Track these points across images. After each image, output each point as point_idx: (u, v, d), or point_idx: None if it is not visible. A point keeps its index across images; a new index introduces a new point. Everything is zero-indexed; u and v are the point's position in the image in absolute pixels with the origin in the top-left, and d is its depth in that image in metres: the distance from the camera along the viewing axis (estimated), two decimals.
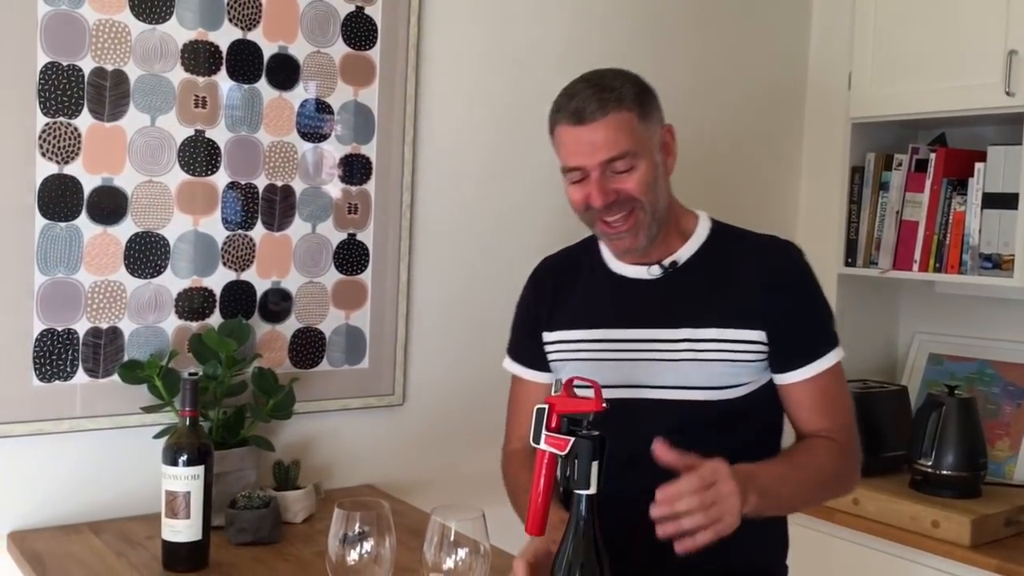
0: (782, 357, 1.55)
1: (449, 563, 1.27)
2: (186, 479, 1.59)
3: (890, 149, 2.76)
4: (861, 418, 2.50)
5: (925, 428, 2.41)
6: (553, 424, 1.27)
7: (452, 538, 1.27)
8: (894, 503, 2.36)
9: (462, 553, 1.27)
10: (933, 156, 2.60)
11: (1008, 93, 2.36)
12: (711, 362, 1.53)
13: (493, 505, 2.34)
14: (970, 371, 2.75)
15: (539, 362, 1.70)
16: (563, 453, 1.24)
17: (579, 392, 1.30)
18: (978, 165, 2.49)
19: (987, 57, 2.40)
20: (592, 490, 1.21)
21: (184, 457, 1.59)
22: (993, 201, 2.47)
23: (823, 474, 1.53)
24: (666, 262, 1.58)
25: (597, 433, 1.23)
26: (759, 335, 1.53)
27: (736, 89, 2.76)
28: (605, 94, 1.48)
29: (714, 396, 1.54)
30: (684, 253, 1.59)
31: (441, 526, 1.27)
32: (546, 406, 1.28)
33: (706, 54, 2.69)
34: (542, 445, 1.27)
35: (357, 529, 1.28)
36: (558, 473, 1.27)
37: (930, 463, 2.39)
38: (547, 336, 1.66)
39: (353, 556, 1.28)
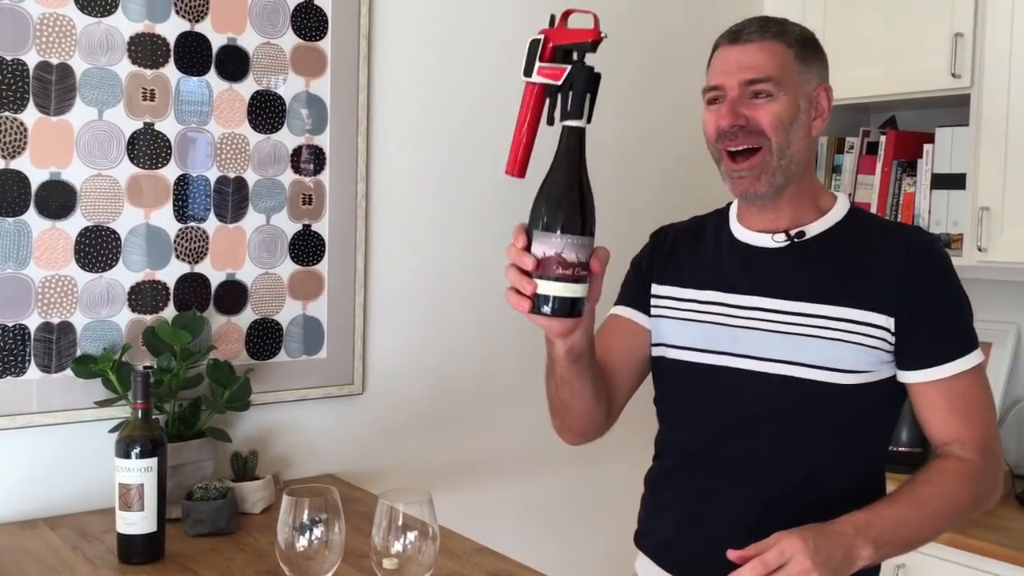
0: (913, 351, 1.43)
1: (398, 546, 1.28)
2: (139, 471, 1.59)
3: (843, 132, 2.80)
4: None
5: None
6: (547, 56, 1.22)
7: (400, 521, 1.28)
8: None
9: (411, 536, 1.29)
10: (884, 139, 2.64)
11: (954, 75, 2.40)
12: (832, 341, 1.43)
13: (452, 492, 2.37)
14: None
15: (642, 304, 1.61)
16: (558, 83, 1.19)
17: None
18: (927, 146, 2.54)
19: (934, 41, 2.44)
20: (584, 122, 1.18)
21: (137, 449, 1.60)
22: (942, 181, 2.51)
23: (954, 503, 1.40)
24: (792, 232, 1.49)
25: (592, 66, 1.19)
26: (887, 321, 1.42)
27: (688, 77, 2.78)
28: (770, 24, 1.47)
29: (826, 377, 1.43)
30: (815, 227, 1.50)
31: (389, 509, 1.28)
32: (540, 36, 1.23)
33: (656, 44, 2.71)
34: (534, 77, 1.22)
35: (307, 516, 1.29)
36: (546, 109, 1.23)
37: None
38: (656, 289, 1.59)
39: (303, 542, 1.29)
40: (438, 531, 1.30)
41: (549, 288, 1.18)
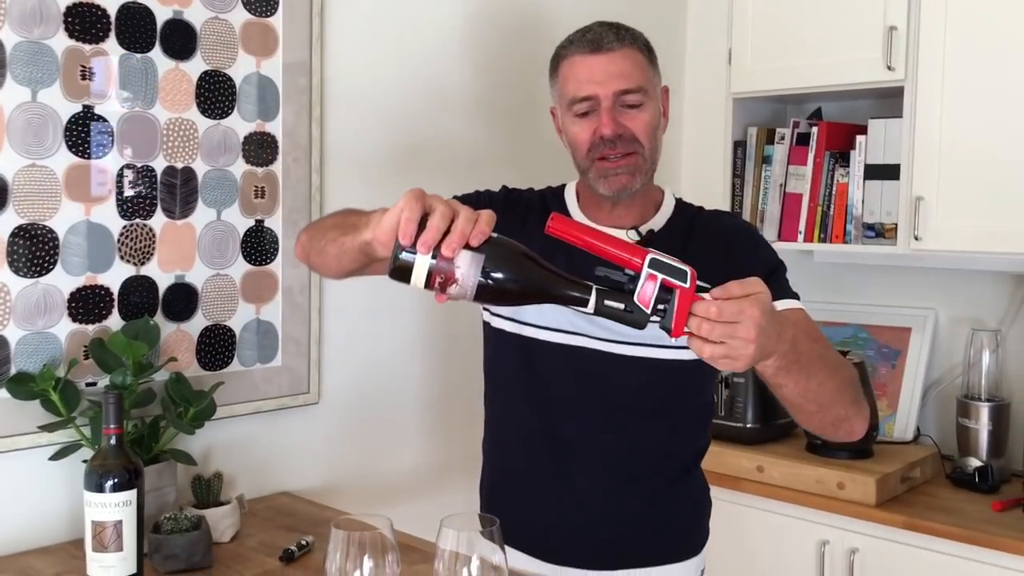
0: None
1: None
2: (116, 506, 1.39)
3: (767, 123, 2.82)
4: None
5: None
6: (662, 281, 1.13)
7: (467, 551, 1.16)
8: (797, 467, 2.42)
9: (475, 567, 1.17)
10: (815, 130, 2.68)
11: (889, 68, 2.45)
12: None
13: (421, 503, 2.24)
14: (845, 336, 2.87)
15: None
16: (633, 299, 1.12)
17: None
18: (859, 138, 2.58)
19: (867, 33, 2.48)
20: (590, 308, 1.13)
21: (112, 481, 1.39)
22: (875, 172, 2.56)
23: (845, 370, 1.43)
24: (643, 229, 1.58)
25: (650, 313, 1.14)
26: None
27: None
28: (621, 32, 1.52)
29: (675, 355, 1.53)
30: (658, 222, 1.60)
31: (456, 537, 1.16)
32: (692, 282, 1.13)
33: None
34: (650, 261, 1.12)
35: (360, 552, 1.15)
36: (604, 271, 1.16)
37: None
38: None
39: None
40: (506, 561, 1.19)
41: (422, 265, 1.09)
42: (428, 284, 1.10)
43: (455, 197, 1.65)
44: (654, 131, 1.54)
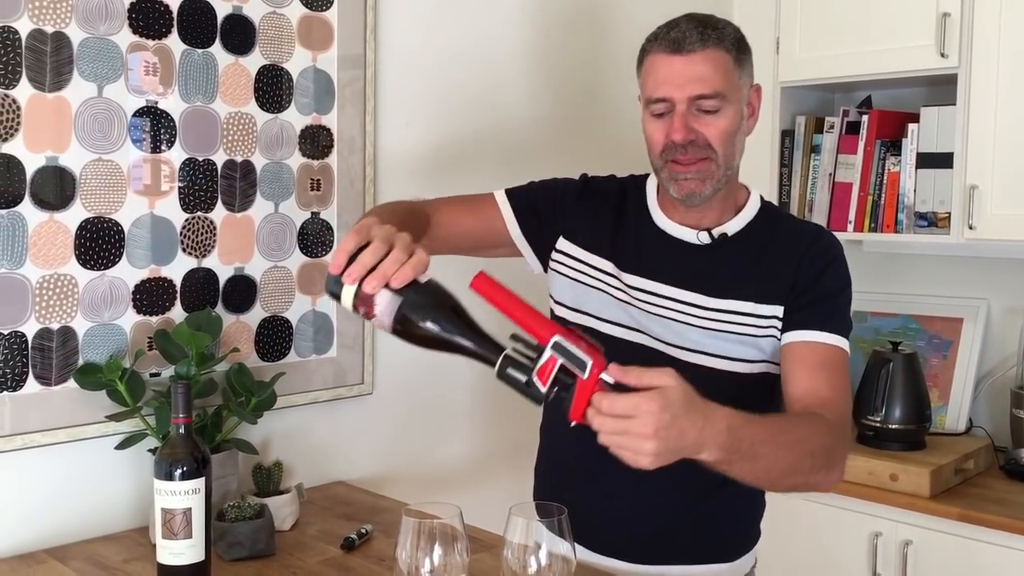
0: (790, 320, 1.50)
1: (532, 565, 1.17)
2: (185, 494, 1.41)
3: (814, 112, 2.80)
4: None
5: (875, 384, 2.47)
6: (562, 367, 1.14)
7: (536, 539, 1.17)
8: (849, 459, 2.38)
9: (543, 555, 1.18)
10: (865, 118, 2.65)
11: (942, 55, 2.42)
12: (741, 336, 1.50)
13: (473, 492, 2.25)
14: (894, 326, 2.84)
15: (529, 222, 1.63)
16: (533, 372, 1.14)
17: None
18: (911, 126, 2.55)
19: (919, 19, 2.45)
20: (494, 373, 1.16)
21: (181, 469, 1.41)
22: (928, 161, 2.53)
23: (807, 448, 1.34)
24: (716, 232, 1.53)
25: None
26: (778, 310, 1.49)
27: None
28: (707, 30, 1.44)
29: (730, 367, 1.49)
30: (734, 226, 1.55)
31: (527, 525, 1.17)
32: (592, 373, 1.14)
33: (629, 22, 2.63)
34: (554, 342, 1.13)
35: (431, 538, 1.16)
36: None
37: (879, 418, 2.46)
38: (563, 244, 1.60)
39: (427, 567, 1.16)
40: (573, 550, 1.20)
41: (347, 294, 1.18)
42: (355, 310, 1.19)
43: (532, 182, 1.67)
44: (730, 137, 1.47)
